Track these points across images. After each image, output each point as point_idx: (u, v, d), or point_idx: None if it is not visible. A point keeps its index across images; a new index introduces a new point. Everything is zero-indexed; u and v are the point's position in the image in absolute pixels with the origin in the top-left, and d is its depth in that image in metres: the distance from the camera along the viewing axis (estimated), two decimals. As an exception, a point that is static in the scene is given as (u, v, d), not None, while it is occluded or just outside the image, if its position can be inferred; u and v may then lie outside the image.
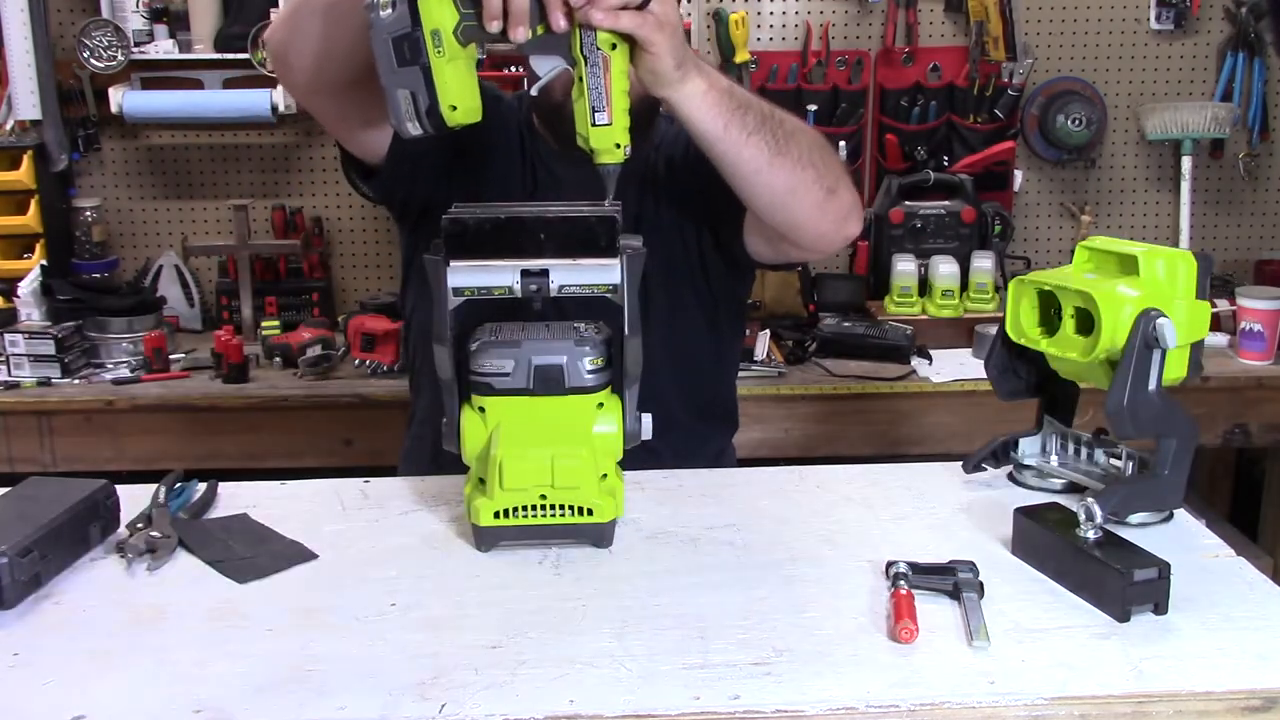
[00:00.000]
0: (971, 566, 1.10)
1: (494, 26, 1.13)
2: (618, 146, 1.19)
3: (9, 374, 2.44)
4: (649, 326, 1.22)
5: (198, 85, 2.88)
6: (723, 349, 1.72)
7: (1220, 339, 2.57)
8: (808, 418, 2.45)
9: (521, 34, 1.13)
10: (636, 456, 1.25)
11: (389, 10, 1.14)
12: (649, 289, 1.19)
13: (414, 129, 1.19)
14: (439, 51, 1.14)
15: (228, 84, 2.86)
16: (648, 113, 1.31)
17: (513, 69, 2.74)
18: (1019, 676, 0.95)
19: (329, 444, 2.43)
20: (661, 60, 1.19)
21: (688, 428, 1.61)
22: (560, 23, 1.13)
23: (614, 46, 1.16)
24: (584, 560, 1.17)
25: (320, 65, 1.34)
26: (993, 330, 1.42)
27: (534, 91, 1.20)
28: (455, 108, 1.17)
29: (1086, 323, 1.23)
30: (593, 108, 1.17)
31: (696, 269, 1.60)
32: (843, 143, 2.96)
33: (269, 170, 3.01)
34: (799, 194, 1.36)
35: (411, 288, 1.71)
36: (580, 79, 1.17)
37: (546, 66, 1.19)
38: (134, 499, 1.27)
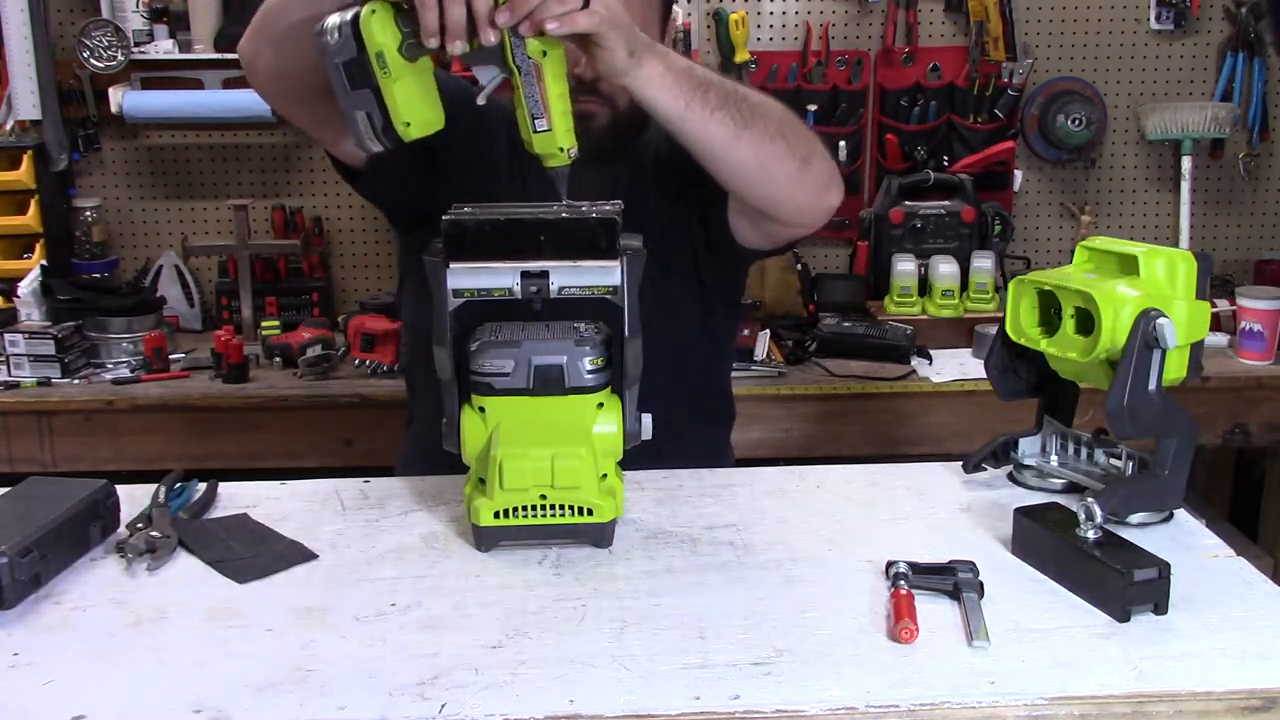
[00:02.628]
0: (971, 566, 1.10)
1: (431, 43, 1.15)
2: (561, 150, 1.21)
3: (9, 374, 2.44)
4: (642, 323, 1.22)
5: (198, 85, 2.88)
6: (719, 346, 1.72)
7: (1220, 339, 2.57)
8: (808, 418, 2.45)
9: (459, 47, 1.15)
10: (632, 456, 1.25)
11: (336, 36, 1.18)
12: (642, 286, 1.19)
13: (375, 146, 1.23)
14: (385, 73, 1.17)
15: (228, 84, 2.86)
16: (640, 113, 1.32)
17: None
18: (1019, 676, 0.95)
19: (329, 444, 2.43)
20: (615, 54, 1.20)
21: (681, 425, 1.61)
22: (488, 36, 1.14)
23: (544, 54, 1.17)
24: (584, 560, 1.17)
25: (285, 79, 1.37)
26: (993, 330, 1.42)
27: (480, 101, 1.22)
28: (409, 123, 1.21)
29: (1086, 323, 1.23)
30: (531, 115, 1.19)
31: (689, 265, 1.59)
32: (842, 143, 2.96)
33: (269, 170, 3.01)
34: (771, 167, 1.36)
35: (408, 289, 1.70)
36: (516, 88, 1.19)
37: (487, 76, 1.21)
38: (134, 499, 1.27)
